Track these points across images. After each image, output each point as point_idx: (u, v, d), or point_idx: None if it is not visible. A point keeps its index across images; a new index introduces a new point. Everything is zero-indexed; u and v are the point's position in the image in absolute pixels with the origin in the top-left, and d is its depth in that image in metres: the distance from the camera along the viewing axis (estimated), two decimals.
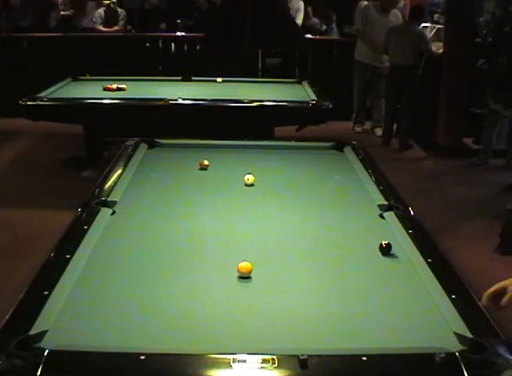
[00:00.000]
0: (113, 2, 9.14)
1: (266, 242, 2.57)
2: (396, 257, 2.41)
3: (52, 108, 5.67)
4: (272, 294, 2.12)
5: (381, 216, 2.82)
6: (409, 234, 2.56)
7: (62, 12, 9.42)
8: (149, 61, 8.57)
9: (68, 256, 2.28)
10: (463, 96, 7.17)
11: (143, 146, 3.88)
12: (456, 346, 1.76)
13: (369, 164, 3.60)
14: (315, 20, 10.10)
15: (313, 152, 3.99)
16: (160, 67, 8.58)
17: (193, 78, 6.78)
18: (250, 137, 4.32)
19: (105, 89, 6.01)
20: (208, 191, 3.22)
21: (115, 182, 3.16)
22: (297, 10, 8.93)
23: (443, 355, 1.70)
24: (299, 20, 8.71)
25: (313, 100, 5.69)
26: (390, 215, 2.78)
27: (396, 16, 7.98)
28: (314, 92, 6.06)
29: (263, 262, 2.31)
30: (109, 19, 9.18)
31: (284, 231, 2.71)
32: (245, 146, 4.03)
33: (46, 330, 1.80)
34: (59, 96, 5.84)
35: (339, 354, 1.73)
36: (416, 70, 7.49)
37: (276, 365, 1.64)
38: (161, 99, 5.50)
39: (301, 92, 6.20)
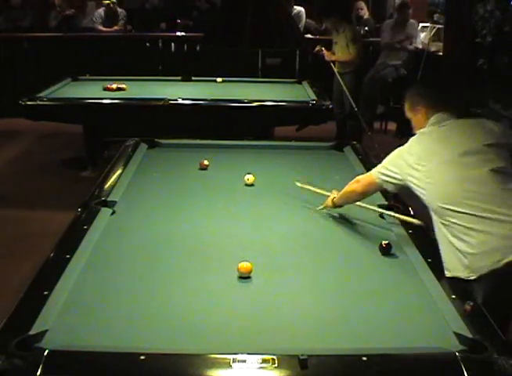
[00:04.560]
0: (113, 2, 9.13)
1: (266, 242, 2.57)
2: (396, 257, 2.41)
3: (51, 108, 5.66)
4: (271, 294, 2.13)
5: (381, 216, 2.82)
6: (409, 234, 2.56)
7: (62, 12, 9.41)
8: (149, 61, 8.56)
9: (68, 256, 2.28)
10: (462, 96, 7.16)
11: (143, 146, 3.89)
12: (456, 346, 1.76)
13: (369, 164, 3.59)
14: None
15: (313, 152, 3.99)
16: (160, 67, 8.57)
17: (193, 78, 6.77)
18: (250, 137, 4.32)
19: (105, 89, 6.01)
20: (208, 191, 3.22)
21: (115, 182, 3.16)
22: (298, 17, 8.93)
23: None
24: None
25: (313, 100, 5.69)
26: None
27: (411, 26, 7.86)
28: (314, 92, 6.05)
29: (263, 262, 2.31)
30: (109, 19, 9.17)
31: (284, 231, 2.71)
32: (245, 146, 4.03)
33: (46, 330, 1.80)
34: (58, 96, 5.83)
35: (339, 354, 1.73)
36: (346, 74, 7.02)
37: (276, 365, 1.64)
38: (161, 99, 5.49)
39: (301, 92, 6.19)
